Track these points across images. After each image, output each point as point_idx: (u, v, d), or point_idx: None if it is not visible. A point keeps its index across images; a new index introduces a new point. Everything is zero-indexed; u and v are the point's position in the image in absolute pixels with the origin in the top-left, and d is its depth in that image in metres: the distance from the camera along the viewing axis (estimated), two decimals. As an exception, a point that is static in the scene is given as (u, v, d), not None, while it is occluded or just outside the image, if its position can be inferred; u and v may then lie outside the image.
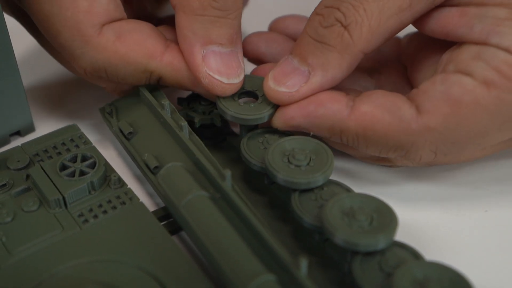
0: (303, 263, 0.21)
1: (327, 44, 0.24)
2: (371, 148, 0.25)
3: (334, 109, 0.25)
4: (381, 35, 0.24)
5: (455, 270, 0.21)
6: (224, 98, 0.26)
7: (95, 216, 0.24)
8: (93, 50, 0.26)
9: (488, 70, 0.23)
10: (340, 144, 0.26)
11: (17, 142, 0.29)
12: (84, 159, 0.26)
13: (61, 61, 0.30)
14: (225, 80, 0.26)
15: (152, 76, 0.27)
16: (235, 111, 0.26)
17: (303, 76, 0.25)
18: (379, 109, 0.24)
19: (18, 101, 0.28)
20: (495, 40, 0.23)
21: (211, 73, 0.26)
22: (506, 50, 0.23)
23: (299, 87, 0.25)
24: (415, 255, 0.22)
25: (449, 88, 0.23)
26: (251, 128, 0.27)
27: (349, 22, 0.24)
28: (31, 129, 0.29)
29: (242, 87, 0.27)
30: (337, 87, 0.26)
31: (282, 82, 0.25)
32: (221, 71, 0.26)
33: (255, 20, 0.36)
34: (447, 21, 0.24)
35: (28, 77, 0.32)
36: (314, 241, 0.24)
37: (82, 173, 0.25)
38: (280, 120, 0.26)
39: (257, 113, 0.26)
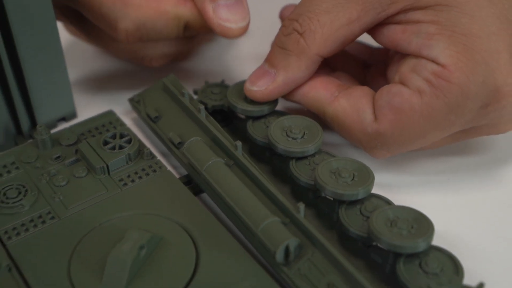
0: (301, 207, 0.26)
1: (287, 49, 0.30)
2: (341, 134, 0.31)
3: (321, 94, 0.30)
4: (334, 42, 0.29)
5: (418, 211, 0.26)
6: (234, 94, 0.32)
7: (132, 181, 0.29)
8: (132, 10, 0.31)
9: (420, 80, 0.28)
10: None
11: (63, 126, 0.34)
12: (121, 136, 0.31)
13: (101, 44, 0.35)
14: (233, 26, 0.32)
15: (180, 23, 0.32)
16: (243, 107, 0.31)
17: (270, 77, 0.30)
18: (351, 107, 0.29)
19: (64, 92, 0.33)
20: (425, 52, 0.28)
21: (221, 23, 0.31)
22: (434, 60, 0.27)
23: (267, 86, 0.30)
24: (388, 202, 0.27)
25: (392, 98, 0.28)
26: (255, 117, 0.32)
27: (304, 30, 0.30)
28: (74, 115, 0.34)
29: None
30: (338, 77, 0.32)
31: (254, 83, 0.31)
32: (229, 19, 0.31)
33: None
34: (393, 37, 0.29)
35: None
36: (308, 197, 0.29)
37: (121, 147, 0.30)
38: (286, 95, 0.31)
39: (259, 107, 0.31)
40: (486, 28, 0.27)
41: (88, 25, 0.34)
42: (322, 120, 0.31)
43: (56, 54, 0.31)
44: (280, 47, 0.30)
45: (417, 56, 0.28)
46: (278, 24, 0.34)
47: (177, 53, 0.36)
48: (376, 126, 0.28)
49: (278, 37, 0.31)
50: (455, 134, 0.30)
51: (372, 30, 0.30)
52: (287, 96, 0.31)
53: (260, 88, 0.31)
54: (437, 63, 0.27)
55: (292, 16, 0.30)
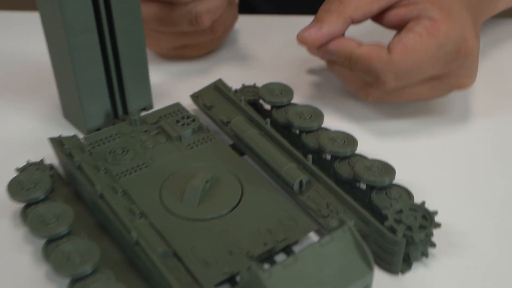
0: (309, 157, 0.39)
1: (331, 10, 0.45)
2: (361, 71, 0.45)
3: (350, 42, 0.45)
4: (361, 12, 0.45)
5: (386, 162, 0.39)
6: (263, 91, 0.45)
7: (196, 146, 0.43)
8: None
9: (420, 28, 0.43)
10: (344, 73, 0.48)
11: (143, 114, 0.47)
12: (188, 117, 0.44)
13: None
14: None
15: None
16: (270, 99, 0.45)
17: (317, 28, 0.45)
18: (372, 49, 0.44)
19: (146, 89, 0.47)
20: (423, 13, 0.44)
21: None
22: (429, 17, 0.43)
23: (314, 34, 0.45)
24: (366, 157, 0.41)
25: (401, 38, 0.43)
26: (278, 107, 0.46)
27: (342, 1, 0.45)
28: (151, 107, 0.48)
29: None
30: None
31: (305, 31, 0.45)
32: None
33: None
34: (399, 14, 0.45)
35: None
36: (314, 157, 0.42)
37: (188, 124, 0.44)
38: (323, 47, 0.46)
39: (280, 99, 0.45)
40: (458, 6, 0.44)
41: None
42: (346, 66, 0.45)
43: (143, 60, 0.45)
44: (325, 10, 0.45)
45: (417, 17, 0.44)
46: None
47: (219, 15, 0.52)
48: (390, 57, 0.43)
49: (324, 4, 0.46)
50: (433, 82, 0.45)
51: (381, 16, 0.47)
52: (325, 45, 0.45)
53: (309, 34, 0.45)
54: (431, 19, 0.43)
55: None
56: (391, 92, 0.46)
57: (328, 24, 0.45)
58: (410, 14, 0.45)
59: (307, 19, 0.57)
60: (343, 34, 0.46)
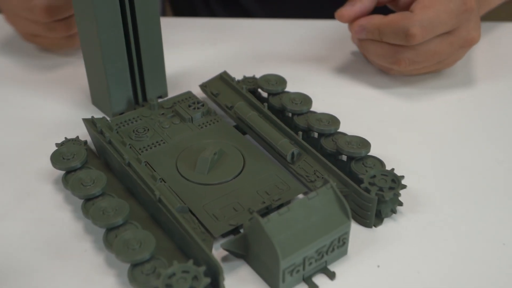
0: (300, 134, 0.47)
1: None
2: (391, 34, 0.54)
3: (378, 16, 0.55)
4: None
5: (363, 137, 0.47)
6: (261, 81, 0.53)
7: (205, 126, 0.50)
8: None
9: None
10: (374, 49, 0.57)
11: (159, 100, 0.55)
12: (198, 102, 0.52)
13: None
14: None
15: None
16: (267, 87, 0.53)
17: (351, 6, 0.55)
18: (397, 14, 0.54)
19: (162, 79, 0.55)
20: None
21: None
22: None
23: (349, 10, 0.55)
24: (344, 134, 0.48)
25: (418, 1, 0.54)
26: (273, 94, 0.53)
27: None
28: (166, 95, 0.56)
29: None
30: None
31: (342, 9, 0.55)
32: None
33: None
34: None
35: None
36: (303, 135, 0.50)
37: (198, 109, 0.51)
38: (356, 23, 0.56)
39: (275, 88, 0.53)
40: None
41: None
42: (376, 36, 0.55)
43: (160, 55, 0.53)
44: None
45: None
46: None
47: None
48: (414, 13, 0.53)
49: None
50: (449, 37, 0.54)
51: (397, 0, 0.58)
52: (358, 20, 0.55)
53: (345, 10, 0.55)
54: None
55: None
56: (419, 52, 0.54)
57: (360, 2, 0.55)
58: None
59: (296, 22, 0.64)
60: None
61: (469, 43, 0.56)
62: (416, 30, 0.52)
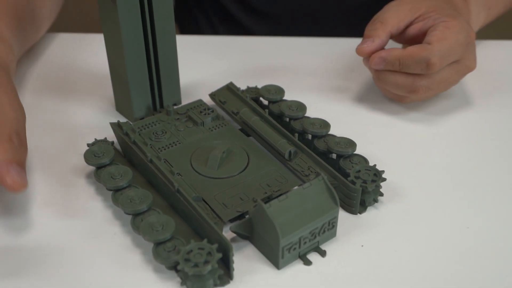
0: (296, 135, 0.55)
1: (376, 29, 0.62)
2: (412, 64, 0.59)
3: (397, 48, 0.61)
4: (395, 28, 0.63)
5: (350, 138, 0.54)
6: (263, 90, 0.61)
7: (215, 129, 0.58)
8: None
9: (440, 26, 0.60)
10: (391, 80, 0.62)
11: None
12: (208, 109, 0.59)
13: None
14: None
15: None
16: (268, 96, 0.60)
17: (369, 41, 0.61)
18: (415, 46, 0.59)
19: (177, 89, 0.62)
20: (437, 20, 0.61)
21: None
22: (443, 21, 0.60)
23: (368, 45, 0.61)
24: (333, 136, 0.56)
25: (433, 33, 0.60)
26: (273, 102, 0.61)
27: (383, 20, 0.62)
28: (180, 102, 0.63)
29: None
30: None
31: (361, 45, 0.61)
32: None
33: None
34: (417, 27, 0.63)
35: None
36: (299, 137, 0.57)
37: (208, 114, 0.59)
38: (376, 55, 0.61)
39: (275, 97, 0.60)
40: (456, 13, 0.62)
41: None
42: (396, 67, 0.60)
43: (175, 68, 0.61)
44: (372, 29, 0.61)
45: (433, 24, 0.61)
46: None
47: None
48: (432, 45, 0.59)
49: (369, 25, 0.62)
50: (456, 65, 0.61)
51: (403, 32, 0.64)
52: (378, 52, 0.60)
53: (366, 46, 0.61)
54: (444, 21, 0.60)
55: (375, 17, 0.63)
56: (434, 80, 0.61)
57: (378, 38, 0.61)
58: (427, 24, 0.62)
59: (291, 39, 0.73)
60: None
61: (469, 70, 0.63)
62: (436, 60, 0.58)
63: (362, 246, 0.48)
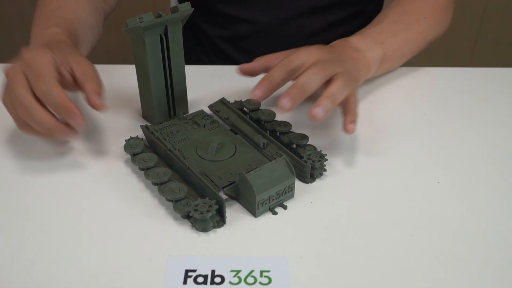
0: (268, 132, 0.76)
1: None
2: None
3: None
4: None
5: (304, 133, 0.76)
6: (247, 102, 0.82)
7: (212, 129, 0.78)
8: None
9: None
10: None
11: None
12: (208, 116, 0.81)
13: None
14: None
15: None
16: (248, 106, 0.82)
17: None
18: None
19: (185, 102, 0.83)
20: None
21: None
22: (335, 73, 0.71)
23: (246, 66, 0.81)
24: (293, 132, 0.77)
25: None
26: (253, 110, 0.82)
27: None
28: (187, 111, 0.84)
29: None
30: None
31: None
32: None
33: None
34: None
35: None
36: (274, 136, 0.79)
37: (208, 119, 0.80)
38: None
39: (254, 106, 0.82)
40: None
41: None
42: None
43: (184, 88, 0.82)
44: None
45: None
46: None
47: None
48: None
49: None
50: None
51: None
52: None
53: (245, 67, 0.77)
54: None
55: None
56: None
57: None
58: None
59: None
60: None
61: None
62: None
63: (311, 203, 0.69)
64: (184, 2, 0.76)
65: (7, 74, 0.67)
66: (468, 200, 0.68)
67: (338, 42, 0.82)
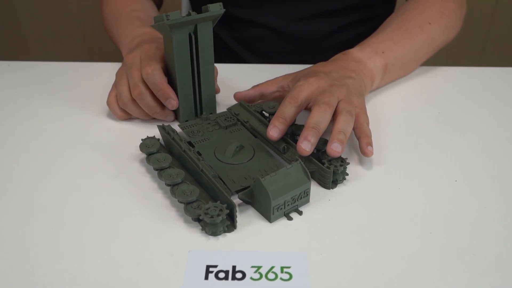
0: (288, 136, 0.70)
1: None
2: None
3: None
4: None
5: (326, 139, 0.69)
6: (266, 105, 0.76)
7: (233, 131, 0.73)
8: None
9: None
10: None
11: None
12: (230, 118, 0.75)
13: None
14: None
15: None
16: (268, 109, 0.76)
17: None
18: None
19: (213, 102, 0.78)
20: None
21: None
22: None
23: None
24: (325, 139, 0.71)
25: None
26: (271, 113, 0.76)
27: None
28: (215, 111, 0.79)
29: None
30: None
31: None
32: None
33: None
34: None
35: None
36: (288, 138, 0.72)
37: (229, 121, 0.74)
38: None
39: (273, 110, 0.76)
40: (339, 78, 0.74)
41: None
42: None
43: (213, 87, 0.77)
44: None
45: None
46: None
47: None
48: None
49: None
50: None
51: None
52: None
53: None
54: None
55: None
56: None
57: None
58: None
59: (284, 66, 0.88)
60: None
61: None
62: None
63: (329, 200, 0.64)
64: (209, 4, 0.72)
65: (127, 58, 0.77)
66: (486, 198, 0.65)
67: (338, 56, 0.81)
